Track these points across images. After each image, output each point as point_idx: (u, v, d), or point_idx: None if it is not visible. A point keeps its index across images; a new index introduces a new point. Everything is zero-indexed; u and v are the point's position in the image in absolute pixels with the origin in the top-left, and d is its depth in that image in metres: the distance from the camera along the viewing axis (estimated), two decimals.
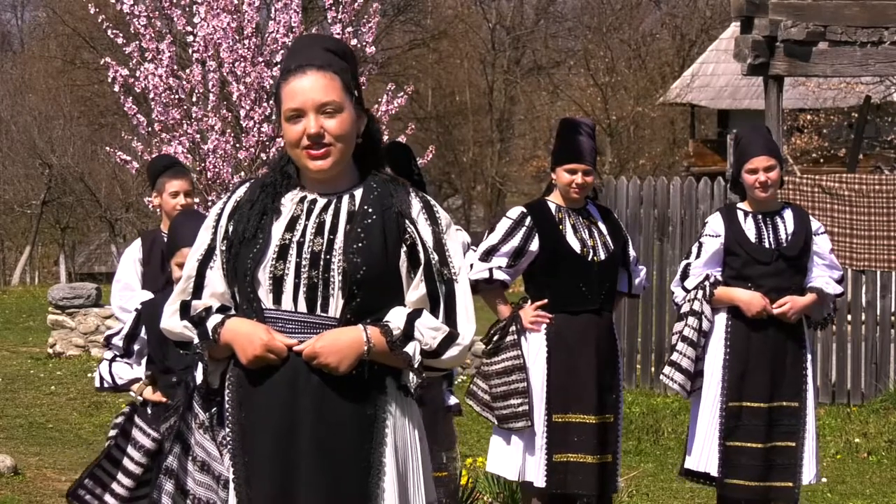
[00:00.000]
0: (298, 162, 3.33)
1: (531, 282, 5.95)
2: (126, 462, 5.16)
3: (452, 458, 5.66)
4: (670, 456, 9.61)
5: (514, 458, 5.82)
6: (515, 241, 5.83)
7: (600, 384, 5.79)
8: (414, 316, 3.27)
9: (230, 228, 3.34)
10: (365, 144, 3.38)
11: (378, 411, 3.27)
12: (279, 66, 11.76)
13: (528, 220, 5.85)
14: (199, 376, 3.33)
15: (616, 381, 5.89)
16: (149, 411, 5.23)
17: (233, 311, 3.34)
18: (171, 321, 3.40)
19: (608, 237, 5.90)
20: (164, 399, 5.11)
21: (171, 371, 5.13)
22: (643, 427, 10.50)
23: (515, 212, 5.94)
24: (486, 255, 5.84)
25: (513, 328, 5.83)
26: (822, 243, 6.09)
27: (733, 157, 6.17)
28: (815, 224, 6.13)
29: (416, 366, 3.26)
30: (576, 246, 5.80)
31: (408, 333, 3.25)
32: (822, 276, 6.07)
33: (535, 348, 5.82)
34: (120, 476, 5.16)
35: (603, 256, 5.84)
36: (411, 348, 3.25)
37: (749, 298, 5.95)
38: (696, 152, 31.96)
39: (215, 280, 3.36)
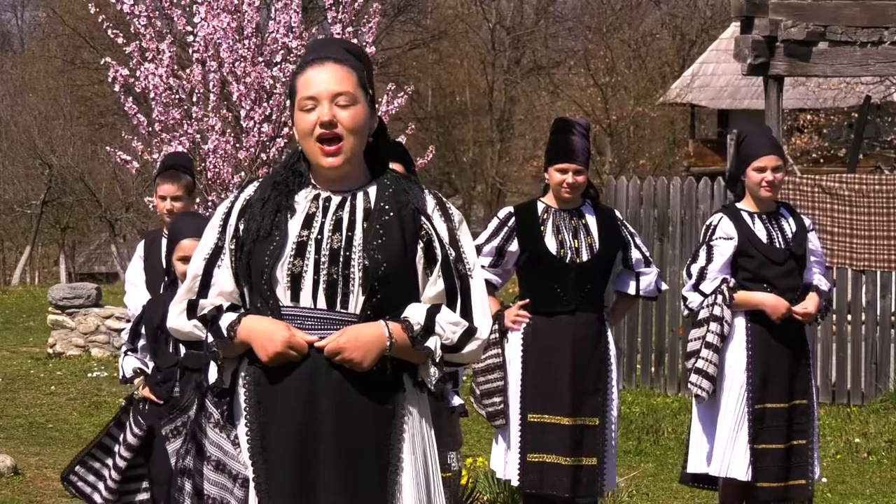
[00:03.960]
0: (311, 156, 3.31)
1: (519, 282, 5.99)
2: (115, 456, 5.28)
3: (455, 458, 5.69)
4: (670, 456, 9.61)
5: (501, 457, 5.89)
6: (496, 241, 5.87)
7: (578, 386, 5.77)
8: (434, 311, 3.28)
9: (241, 227, 3.32)
10: (375, 145, 3.38)
11: (397, 407, 3.28)
12: (281, 66, 11.81)
13: (511, 221, 5.89)
14: (211, 375, 3.31)
15: (603, 383, 5.84)
16: (145, 408, 5.30)
17: (243, 310, 3.31)
18: (179, 321, 3.36)
19: (597, 239, 5.86)
20: (151, 395, 5.23)
21: (159, 369, 5.25)
22: (643, 427, 10.48)
23: (503, 212, 6.00)
24: None
25: (495, 327, 5.84)
26: (814, 240, 6.14)
27: (735, 155, 6.12)
28: (807, 221, 6.17)
29: (437, 360, 3.26)
30: (552, 247, 5.80)
31: (428, 328, 3.25)
32: (816, 274, 6.12)
33: (513, 347, 5.87)
34: (111, 470, 5.28)
35: (586, 258, 5.81)
36: (432, 343, 3.25)
37: (774, 302, 5.91)
38: (696, 152, 31.99)
39: (223, 279, 3.34)
